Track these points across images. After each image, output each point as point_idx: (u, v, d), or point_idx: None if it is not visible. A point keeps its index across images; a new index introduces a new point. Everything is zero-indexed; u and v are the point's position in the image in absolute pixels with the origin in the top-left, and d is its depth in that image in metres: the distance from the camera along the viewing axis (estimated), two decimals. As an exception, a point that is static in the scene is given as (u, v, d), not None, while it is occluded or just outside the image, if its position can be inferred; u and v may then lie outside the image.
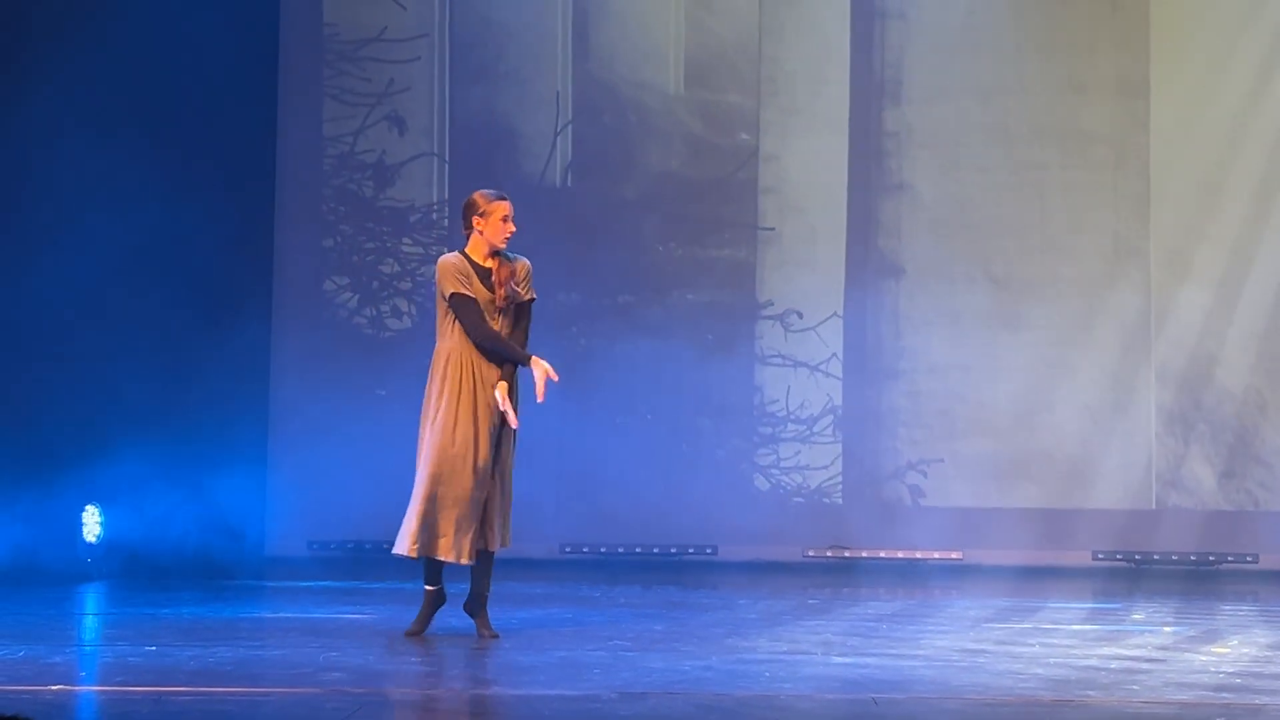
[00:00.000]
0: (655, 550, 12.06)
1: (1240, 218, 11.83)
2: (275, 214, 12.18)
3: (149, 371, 11.06)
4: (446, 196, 12.46)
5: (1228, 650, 7.52)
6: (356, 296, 12.45)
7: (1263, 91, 11.94)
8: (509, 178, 12.41)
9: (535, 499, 11.94)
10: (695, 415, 12.19)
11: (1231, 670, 6.90)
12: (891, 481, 12.12)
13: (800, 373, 12.17)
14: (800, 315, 12.17)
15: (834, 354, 12.15)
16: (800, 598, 9.90)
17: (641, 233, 12.32)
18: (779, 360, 12.21)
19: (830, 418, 12.14)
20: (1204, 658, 7.30)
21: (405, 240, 12.44)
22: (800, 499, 12.16)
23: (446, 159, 12.45)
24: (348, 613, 8.95)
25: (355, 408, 12.15)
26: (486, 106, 12.45)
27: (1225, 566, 11.63)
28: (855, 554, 12.01)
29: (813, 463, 12.13)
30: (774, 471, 12.16)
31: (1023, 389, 11.95)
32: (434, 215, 12.45)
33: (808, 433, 12.14)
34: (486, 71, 12.45)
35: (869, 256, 12.19)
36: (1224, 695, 6.21)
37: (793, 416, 12.19)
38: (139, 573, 10.75)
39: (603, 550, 12.09)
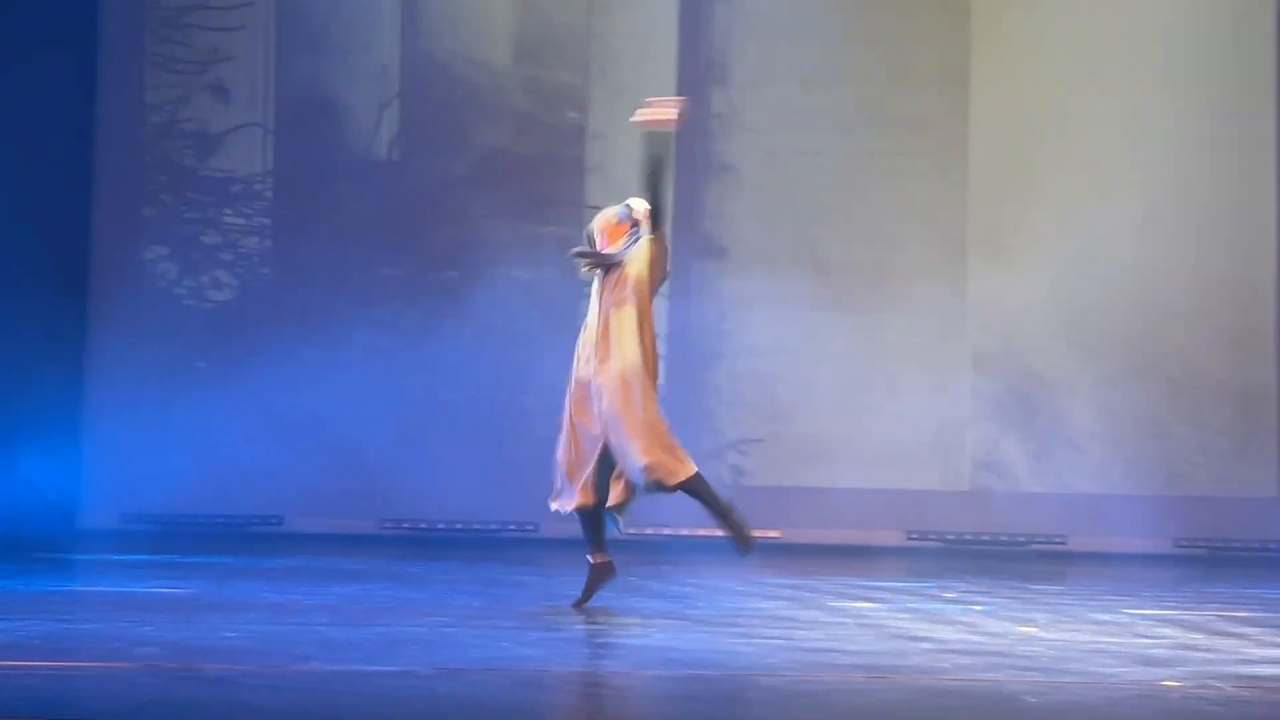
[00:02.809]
0: (476, 527, 12.04)
1: (1055, 206, 12.07)
2: (93, 182, 11.97)
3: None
4: (270, 167, 12.32)
5: (1036, 630, 7.68)
6: (177, 267, 12.27)
7: (1078, 82, 12.19)
8: (334, 150, 12.31)
9: (357, 474, 11.89)
10: (519, 393, 12.18)
11: (1040, 649, 7.05)
12: (712, 460, 12.21)
13: (624, 352, 12.19)
14: (625, 295, 12.19)
15: (657, 334, 12.18)
16: (621, 575, 9.92)
17: (468, 209, 12.27)
18: (603, 339, 12.22)
19: (654, 397, 12.18)
20: (1013, 637, 7.46)
21: (227, 211, 12.28)
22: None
23: (271, 130, 12.30)
24: (162, 586, 8.82)
25: (173, 380, 11.98)
26: (313, 78, 12.33)
27: (1035, 547, 11.88)
28: (675, 532, 12.09)
29: (635, 441, 12.15)
30: (596, 450, 12.18)
31: (842, 371, 12.10)
32: (257, 186, 12.31)
33: (631, 412, 12.16)
34: (313, 42, 12.32)
35: (694, 238, 12.26)
36: (1032, 674, 6.34)
37: (615, 394, 12.21)
38: (-53, 545, 10.51)
39: (423, 526, 12.04)
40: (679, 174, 12.32)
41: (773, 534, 12.07)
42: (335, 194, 12.21)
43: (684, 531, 12.09)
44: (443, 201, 12.26)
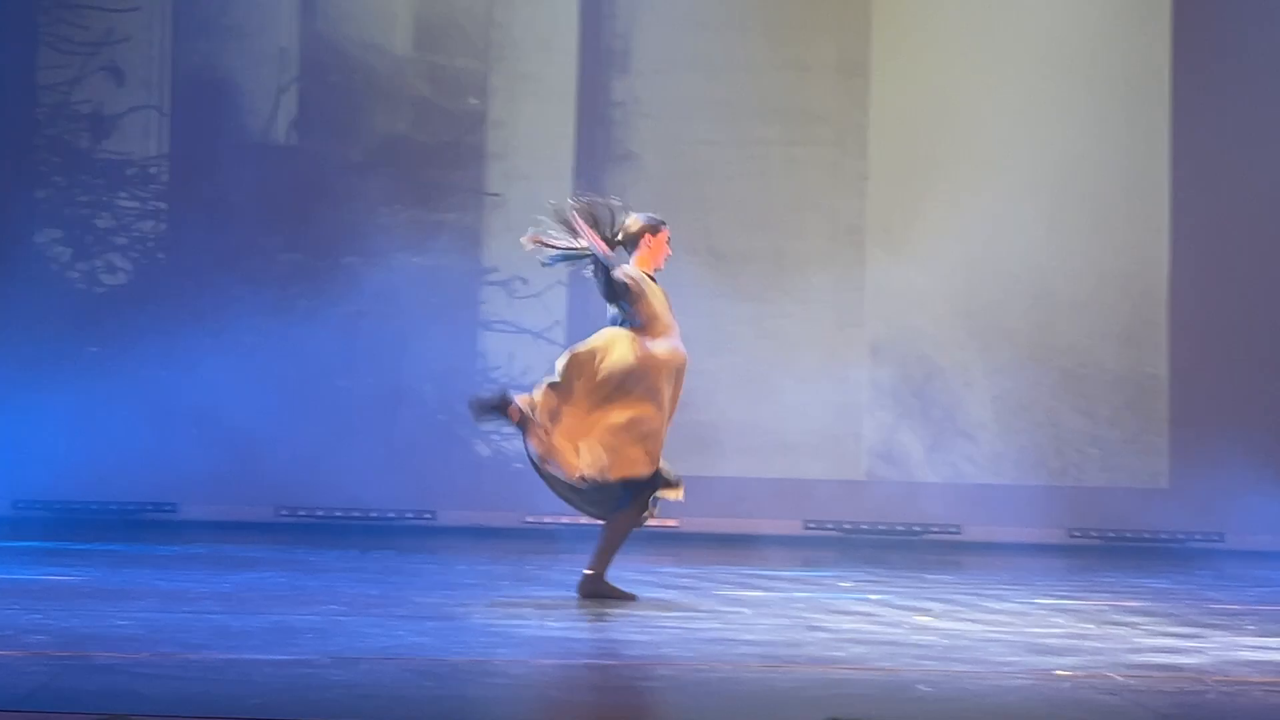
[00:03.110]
0: (373, 514, 11.98)
1: (952, 198, 12.15)
2: (-15, 163, 11.80)
3: None
4: (166, 150, 12.19)
5: (931, 618, 7.74)
6: (70, 251, 12.11)
7: (977, 75, 12.28)
8: (231, 133, 12.19)
9: (252, 461, 11.79)
10: (418, 380, 12.13)
11: (933, 638, 7.11)
12: (611, 449, 12.20)
13: (524, 339, 12.18)
14: (525, 282, 12.19)
15: (557, 321, 12.19)
16: (518, 564, 9.92)
17: (367, 194, 12.20)
18: (503, 326, 12.21)
19: (552, 385, 12.16)
20: (908, 626, 7.51)
21: (122, 194, 12.13)
22: (520, 465, 12.13)
23: (166, 112, 12.17)
24: (54, 574, 8.71)
25: (66, 365, 11.84)
26: (209, 60, 12.20)
27: (930, 536, 11.97)
28: (574, 520, 12.07)
29: (533, 429, 12.14)
30: (495, 437, 12.17)
31: (740, 360, 12.14)
32: (152, 169, 12.17)
33: (529, 399, 12.14)
34: (210, 24, 12.19)
35: (594, 225, 12.24)
36: (925, 663, 6.39)
37: (515, 383, 12.19)
38: None
39: (320, 514, 11.97)
40: (579, 161, 12.32)
41: (670, 523, 12.09)
42: (231, 178, 12.09)
43: (583, 521, 12.08)
44: (340, 187, 12.18)
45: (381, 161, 12.24)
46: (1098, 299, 12.24)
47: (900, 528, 12.07)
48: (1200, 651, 6.79)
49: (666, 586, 8.89)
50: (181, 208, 12.20)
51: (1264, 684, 5.99)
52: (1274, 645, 7.03)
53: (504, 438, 12.18)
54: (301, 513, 12.00)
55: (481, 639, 6.60)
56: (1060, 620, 7.78)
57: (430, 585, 8.57)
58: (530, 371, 12.22)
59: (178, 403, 11.71)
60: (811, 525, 12.16)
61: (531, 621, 7.27)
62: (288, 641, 6.42)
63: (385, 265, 12.11)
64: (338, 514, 11.98)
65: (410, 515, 12.01)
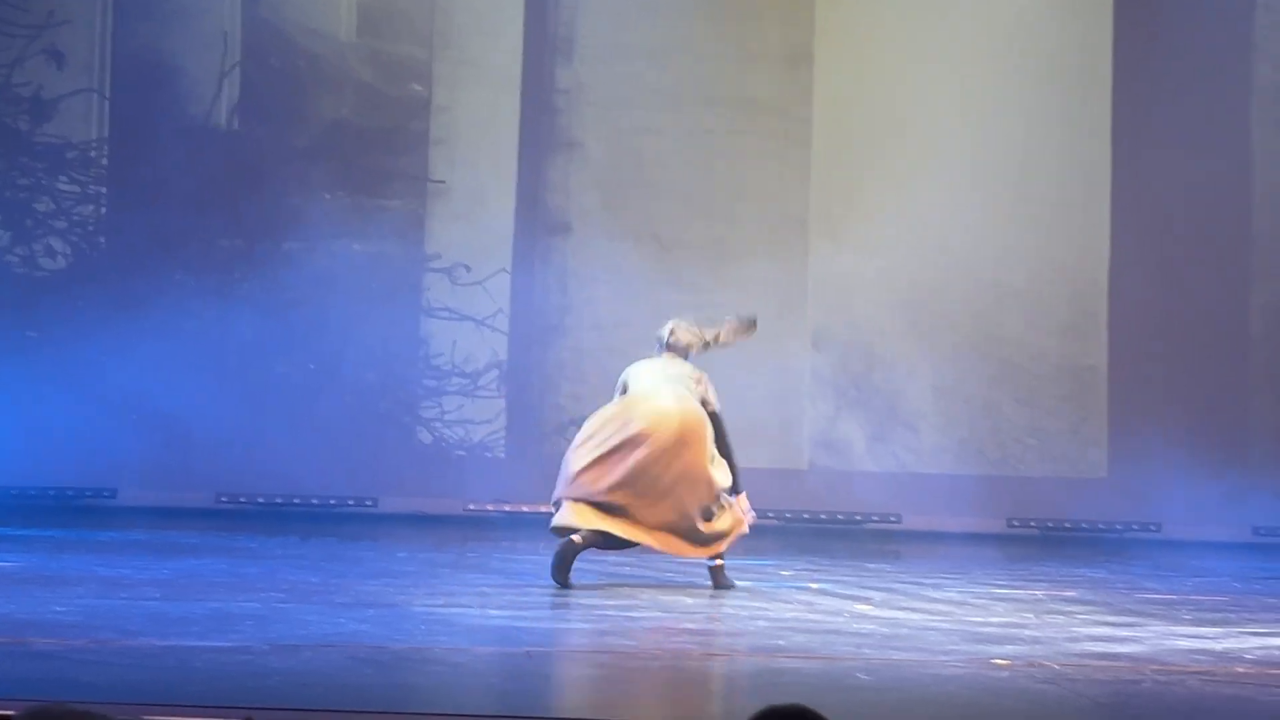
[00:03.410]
0: (314, 501, 11.94)
1: (896, 188, 12.19)
2: (-78, 146, 11.69)
3: None
4: (106, 134, 12.10)
5: (870, 607, 7.78)
6: (8, 234, 12.01)
7: (921, 65, 12.32)
8: (172, 117, 12.11)
9: (192, 447, 11.72)
10: (359, 367, 12.09)
11: (873, 627, 7.14)
12: (554, 437, 12.21)
13: (466, 326, 12.16)
14: (468, 269, 12.16)
15: (500, 309, 12.18)
16: (460, 551, 9.91)
17: (309, 180, 12.14)
18: (446, 313, 12.18)
19: (495, 372, 12.17)
20: (848, 614, 7.54)
21: (61, 178, 12.03)
22: (463, 452, 12.17)
23: (107, 96, 12.07)
24: (-10, 561, 8.65)
25: (4, 349, 11.74)
26: (151, 43, 12.11)
27: (871, 525, 12.02)
28: (516, 508, 12.07)
29: (476, 417, 12.15)
30: (437, 425, 12.15)
31: (684, 349, 12.13)
32: (92, 153, 12.08)
33: (472, 387, 12.15)
34: (151, 7, 12.10)
35: (537, 213, 12.24)
36: (865, 651, 6.42)
37: (458, 370, 12.18)
38: None
39: (260, 500, 11.92)
40: (523, 149, 12.30)
41: (612, 510, 12.10)
42: (172, 162, 12.01)
43: (525, 508, 12.08)
44: (283, 172, 12.11)
45: (324, 147, 12.19)
46: (1039, 290, 12.31)
47: (841, 517, 12.11)
48: (1137, 640, 6.84)
49: (607, 575, 8.89)
50: (121, 192, 12.11)
51: (1199, 673, 6.04)
52: (1209, 635, 7.10)
53: (447, 425, 12.17)
54: (242, 499, 11.94)
55: (422, 626, 6.59)
56: (999, 609, 7.82)
57: (371, 572, 8.54)
58: (472, 359, 12.20)
59: (118, 388, 11.63)
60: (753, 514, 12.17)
61: (473, 609, 7.27)
62: (227, 628, 6.40)
63: (327, 251, 12.06)
64: (278, 501, 11.93)
65: (351, 502, 11.97)
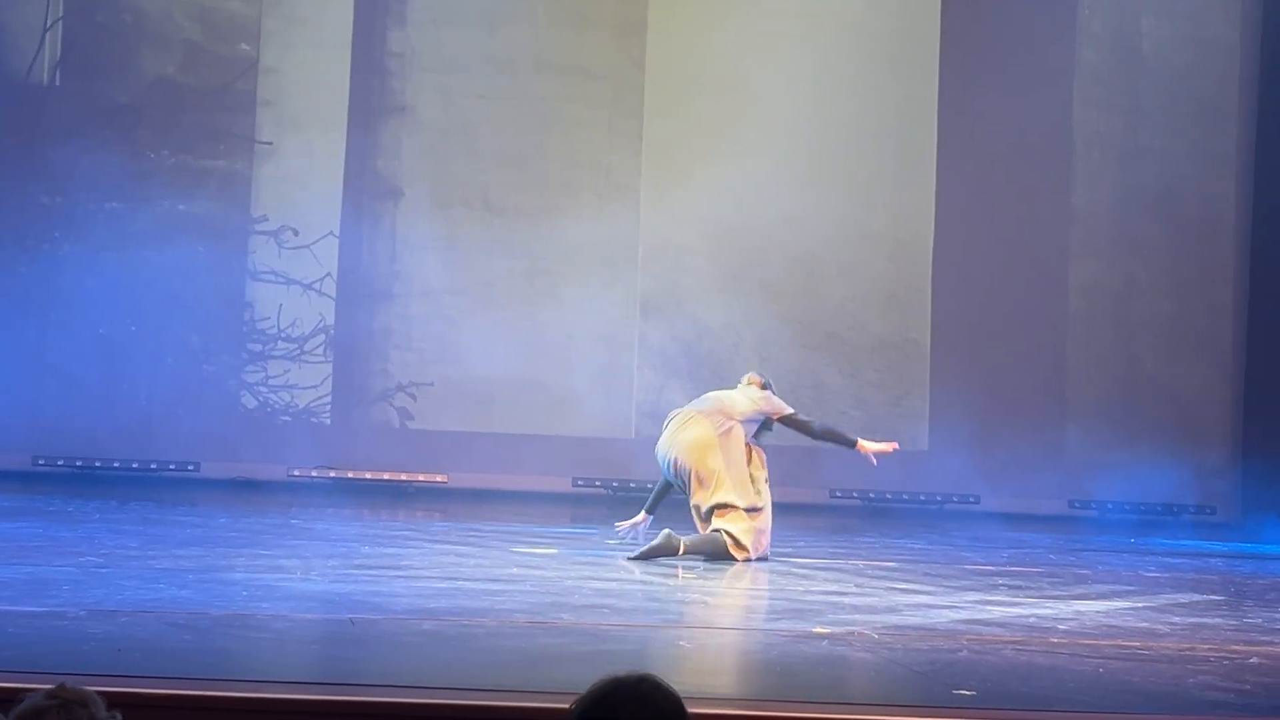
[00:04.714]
0: (134, 465, 11.76)
1: (725, 160, 12.26)
2: None
3: None
4: (-77, 87, 11.78)
5: (694, 576, 7.83)
6: None
7: (751, 38, 12.39)
8: (-8, 72, 11.83)
9: (10, 408, 11.48)
10: (183, 329, 11.92)
11: (697, 595, 7.19)
12: (380, 403, 12.15)
13: (293, 291, 12.03)
14: (296, 232, 12.03)
15: (329, 273, 12.07)
16: (283, 517, 9.81)
17: (134, 138, 11.93)
18: (272, 277, 12.04)
19: (322, 337, 12.06)
20: (672, 583, 7.59)
21: (-125, 131, 11.71)
22: (288, 418, 12.06)
23: (-76, 47, 11.76)
24: None
25: None
26: (-30, -5, 11.81)
27: (697, 495, 12.07)
28: (341, 474, 11.99)
29: (302, 382, 12.04)
30: (262, 389, 12.02)
31: (513, 317, 12.14)
32: (-92, 106, 11.76)
33: (298, 351, 12.03)
34: (-28, -42, 11.80)
35: (367, 177, 12.14)
36: (687, 620, 6.47)
37: (284, 335, 12.06)
38: None
39: (79, 463, 11.71)
40: (353, 112, 12.18)
41: (440, 479, 12.07)
42: (-8, 117, 11.74)
43: (350, 474, 12.01)
44: (107, 130, 11.89)
45: (149, 105, 11.97)
46: (864, 264, 12.46)
47: (667, 486, 12.15)
48: (954, 610, 6.96)
49: (434, 541, 8.87)
50: (-62, 146, 11.82)
51: (1013, 642, 6.16)
52: (1025, 605, 7.24)
53: (272, 390, 12.04)
54: (60, 462, 11.72)
55: (244, 592, 6.52)
56: (820, 579, 7.92)
57: (192, 538, 8.43)
58: (299, 324, 12.07)
59: (-69, 347, 11.37)
60: (580, 482, 12.22)
61: (295, 575, 7.20)
62: (43, 593, 6.28)
63: (151, 212, 11.86)
64: (97, 464, 11.73)
65: (173, 467, 11.81)
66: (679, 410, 8.77)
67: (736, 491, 8.40)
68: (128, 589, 6.48)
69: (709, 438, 8.47)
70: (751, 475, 8.52)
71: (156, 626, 5.72)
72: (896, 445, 8.88)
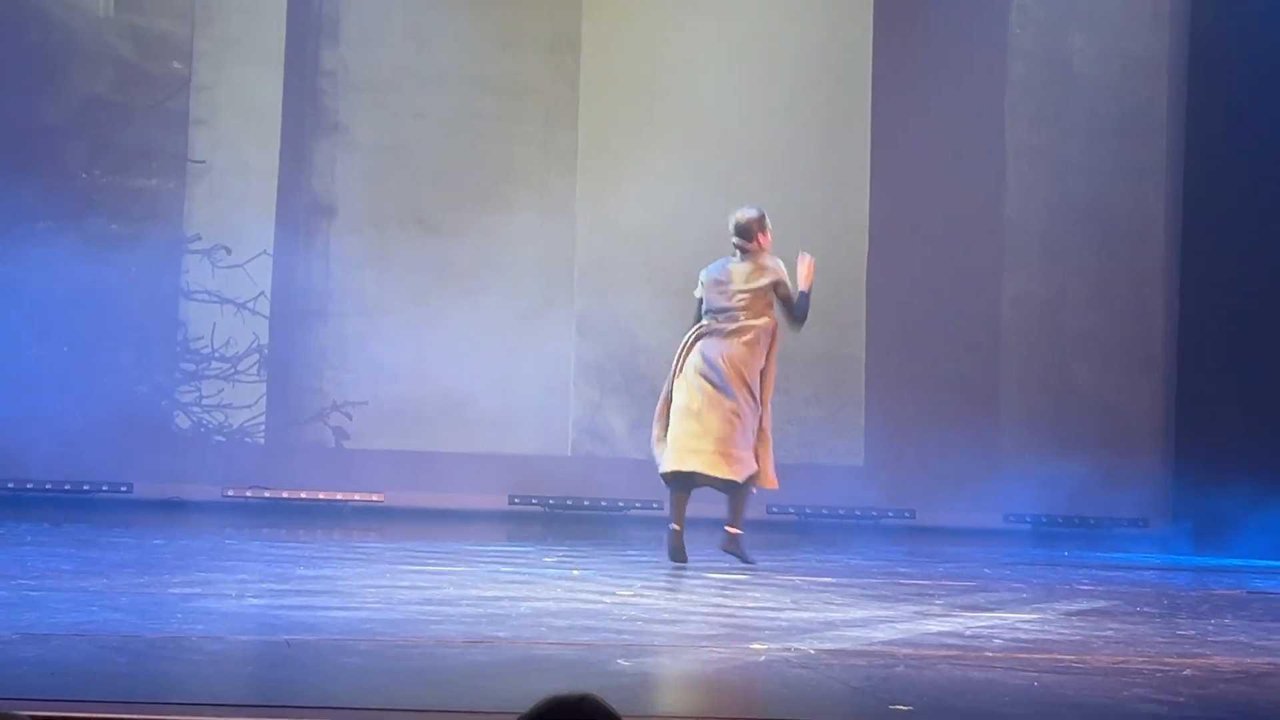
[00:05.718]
0: (67, 486, 11.67)
1: (660, 177, 12.29)
2: None
3: None
4: None
5: (631, 594, 7.83)
6: None
7: (685, 54, 12.43)
8: (-80, 91, 11.73)
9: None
10: (115, 349, 11.85)
11: (634, 613, 7.20)
12: (315, 423, 12.10)
13: (227, 310, 11.98)
14: (229, 251, 11.98)
15: (262, 292, 12.02)
16: (218, 538, 9.76)
17: (65, 158, 11.86)
18: (205, 296, 11.99)
19: (256, 356, 12.01)
20: (609, 601, 7.59)
21: None
22: (221, 438, 12.00)
23: None
24: None
25: None
26: (-103, 13, 11.72)
27: (634, 512, 12.10)
28: (276, 494, 11.94)
29: (236, 401, 11.98)
30: (195, 409, 11.95)
31: (448, 335, 12.12)
32: None
33: (232, 371, 11.98)
34: (-101, -24, 11.71)
35: (301, 196, 12.11)
36: (625, 636, 6.47)
37: (217, 354, 12.00)
38: None
39: (10, 486, 11.62)
40: (286, 130, 12.14)
41: (375, 498, 12.03)
42: (-80, 137, 11.65)
43: (284, 494, 11.95)
44: (36, 150, 11.80)
45: (80, 124, 11.90)
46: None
47: (604, 503, 12.17)
48: (891, 625, 6.99)
49: (370, 561, 8.84)
50: None
51: (949, 657, 6.19)
52: (959, 618, 7.28)
53: (205, 410, 11.98)
54: (-9, 484, 11.62)
55: (178, 614, 6.47)
56: (756, 595, 7.93)
57: (125, 560, 8.37)
58: (233, 343, 12.02)
59: None
60: (516, 500, 12.20)
61: (230, 597, 7.16)
62: (-27, 618, 6.21)
63: (82, 231, 11.79)
64: (29, 486, 11.64)
65: (105, 488, 11.72)
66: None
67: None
68: (60, 612, 6.42)
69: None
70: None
71: (90, 650, 5.67)
72: (811, 260, 9.45)
